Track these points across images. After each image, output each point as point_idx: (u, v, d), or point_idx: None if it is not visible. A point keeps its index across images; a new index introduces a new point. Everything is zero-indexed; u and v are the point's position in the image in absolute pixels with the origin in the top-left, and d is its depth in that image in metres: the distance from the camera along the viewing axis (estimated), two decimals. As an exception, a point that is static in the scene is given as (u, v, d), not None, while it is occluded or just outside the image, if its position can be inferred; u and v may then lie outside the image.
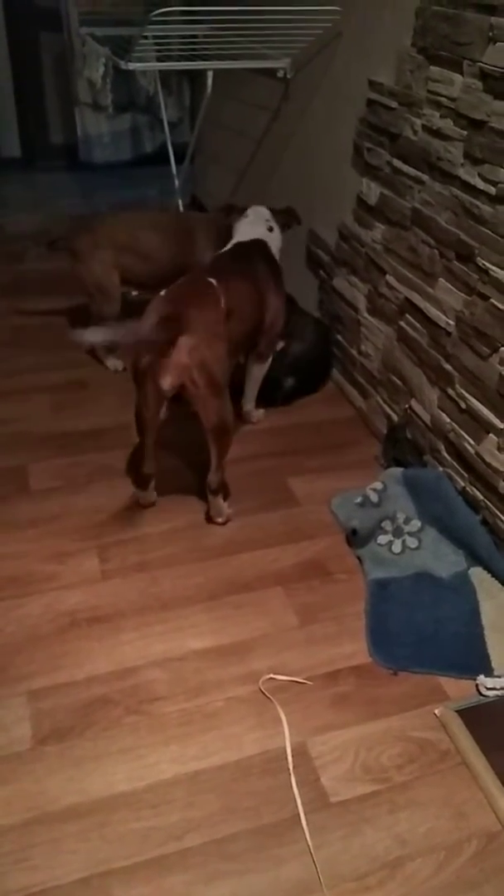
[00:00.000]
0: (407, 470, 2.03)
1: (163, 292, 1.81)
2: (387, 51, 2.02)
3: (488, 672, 1.59)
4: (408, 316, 2.09)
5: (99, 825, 1.30)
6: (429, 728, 1.49)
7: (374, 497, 1.96)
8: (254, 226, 2.23)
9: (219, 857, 1.27)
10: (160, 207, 3.97)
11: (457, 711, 1.51)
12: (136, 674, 1.57)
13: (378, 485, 1.99)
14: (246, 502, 2.06)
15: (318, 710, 1.51)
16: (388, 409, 2.28)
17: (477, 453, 1.85)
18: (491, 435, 1.78)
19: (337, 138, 2.39)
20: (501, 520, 1.80)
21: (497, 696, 1.55)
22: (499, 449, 1.76)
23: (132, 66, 2.37)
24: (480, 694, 1.56)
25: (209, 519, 1.99)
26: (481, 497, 1.86)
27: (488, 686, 1.56)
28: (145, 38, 2.30)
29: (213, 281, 1.86)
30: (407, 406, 2.16)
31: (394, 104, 1.99)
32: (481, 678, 1.57)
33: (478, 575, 1.79)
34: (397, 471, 2.04)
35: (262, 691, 1.54)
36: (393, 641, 1.67)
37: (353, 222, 2.33)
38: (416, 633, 1.68)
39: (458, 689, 1.57)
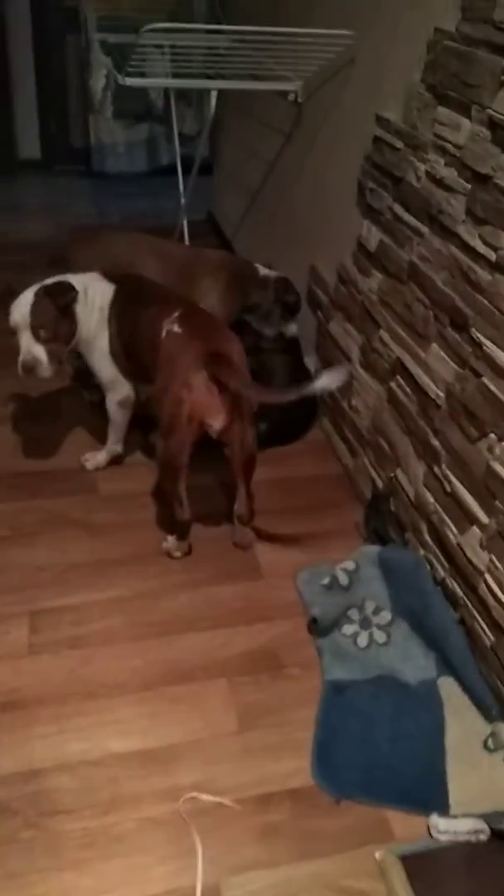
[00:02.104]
0: (384, 550, 1.83)
1: (180, 326, 1.76)
2: (397, 84, 1.82)
3: (443, 809, 1.38)
4: (399, 378, 1.88)
5: None
6: (365, 875, 1.29)
7: (343, 579, 1.76)
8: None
9: None
10: (176, 225, 3.81)
11: (400, 857, 1.30)
12: (43, 778, 1.39)
13: (350, 564, 1.79)
14: (202, 570, 1.87)
15: (241, 842, 1.32)
16: (374, 474, 2.07)
17: (459, 544, 1.64)
18: (475, 528, 1.57)
19: (343, 173, 2.19)
20: (480, 623, 1.58)
21: (449, 840, 1.34)
22: (482, 545, 1.55)
23: (129, 81, 2.20)
24: (431, 836, 1.35)
25: (236, 544, 1.96)
26: (461, 593, 1.65)
27: (441, 828, 1.35)
28: (140, 52, 2.12)
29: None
30: (392, 475, 1.96)
31: (399, 144, 1.79)
32: (434, 818, 1.37)
33: (447, 687, 1.57)
34: (373, 550, 1.84)
35: (180, 814, 1.35)
36: (341, 761, 1.47)
37: (353, 266, 2.13)
38: (369, 752, 1.48)
39: (407, 827, 1.37)
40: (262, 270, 2.40)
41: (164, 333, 1.77)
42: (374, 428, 2.05)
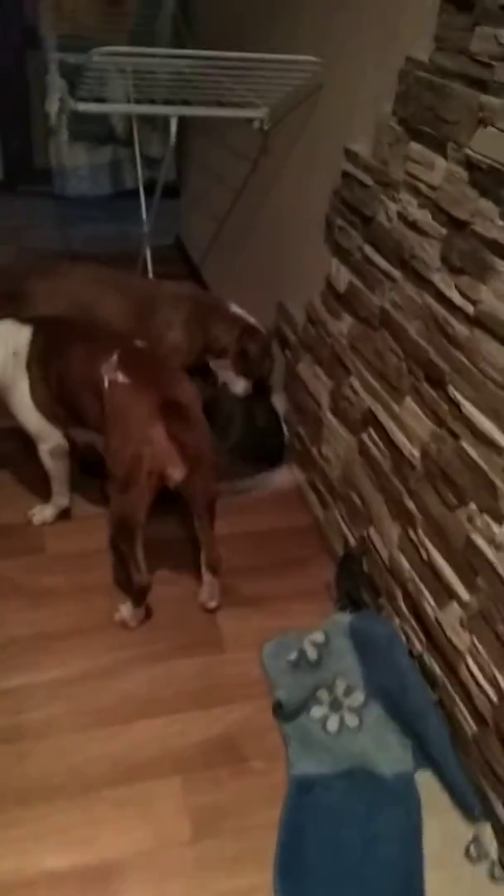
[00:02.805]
0: (355, 619, 1.68)
1: (125, 375, 1.62)
2: (366, 115, 1.69)
3: (423, 933, 1.23)
4: (371, 430, 1.74)
5: None
6: None
7: (312, 654, 1.60)
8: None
9: None
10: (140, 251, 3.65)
11: None
12: (-35, 908, 1.21)
13: (319, 636, 1.63)
14: (158, 641, 1.70)
15: None
16: (346, 529, 1.92)
17: (437, 620, 1.49)
18: (454, 604, 1.43)
19: (311, 207, 2.06)
20: (461, 709, 1.43)
21: None
22: (462, 625, 1.40)
23: (82, 107, 2.05)
24: None
25: (203, 605, 1.80)
26: (439, 672, 1.50)
27: None
28: (95, 74, 1.97)
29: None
30: (365, 533, 1.81)
31: (369, 181, 1.66)
32: None
33: (426, 781, 1.42)
34: (344, 619, 1.68)
35: None
36: (306, 872, 1.30)
37: (322, 306, 1.99)
38: (338, 861, 1.32)
39: None
40: (235, 309, 2.23)
41: (106, 383, 1.63)
42: (345, 480, 1.91)
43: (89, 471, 2.09)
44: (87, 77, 1.97)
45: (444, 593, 1.46)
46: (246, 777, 1.45)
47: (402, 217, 1.53)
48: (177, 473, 1.59)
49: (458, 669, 1.42)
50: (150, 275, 2.94)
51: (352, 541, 1.88)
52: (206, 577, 1.80)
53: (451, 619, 1.44)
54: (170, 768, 1.44)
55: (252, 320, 2.21)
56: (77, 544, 1.95)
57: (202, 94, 2.24)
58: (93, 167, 3.75)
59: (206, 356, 2.20)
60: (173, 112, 2.13)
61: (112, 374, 1.63)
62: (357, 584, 1.82)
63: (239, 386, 2.22)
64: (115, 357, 1.65)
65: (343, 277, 1.83)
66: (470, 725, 1.41)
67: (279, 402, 2.37)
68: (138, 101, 2.37)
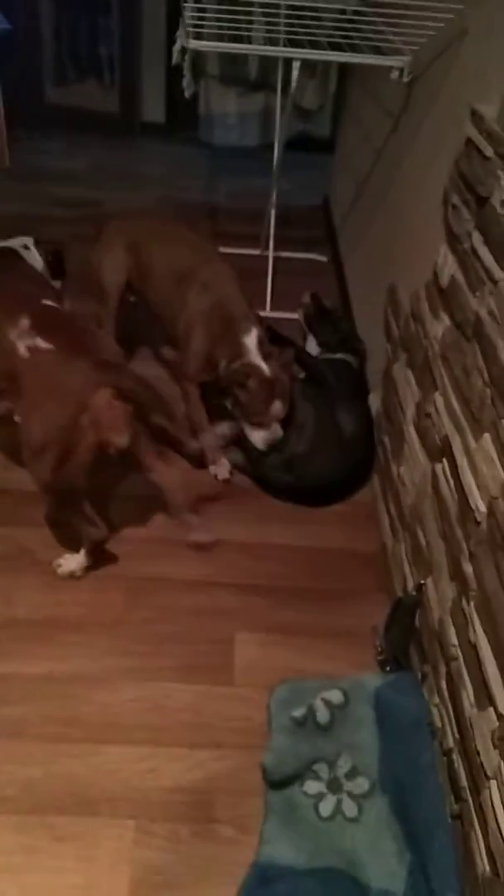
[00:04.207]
0: (385, 687, 1.40)
1: (45, 339, 1.49)
2: (500, 67, 1.32)
3: None
4: (445, 463, 1.42)
5: None
6: None
7: (322, 715, 1.35)
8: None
9: None
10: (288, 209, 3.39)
11: None
12: None
13: (336, 696, 1.38)
14: (164, 655, 1.53)
15: None
16: (407, 569, 1.62)
17: (471, 722, 1.18)
18: (491, 712, 1.11)
19: (436, 178, 1.71)
20: (477, 837, 1.13)
21: None
22: (494, 742, 1.09)
23: (193, 44, 1.82)
24: None
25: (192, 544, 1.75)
26: (464, 782, 1.20)
27: None
28: (201, 10, 1.74)
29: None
30: (423, 582, 1.50)
31: (489, 152, 1.30)
32: None
33: (415, 915, 1.15)
34: (372, 682, 1.41)
35: None
36: None
37: (425, 299, 1.66)
38: None
39: None
40: (249, 338, 1.84)
41: (22, 350, 1.47)
42: (415, 512, 1.60)
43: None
44: (202, 12, 1.73)
45: (483, 693, 1.15)
46: (208, 842, 1.25)
47: (515, 202, 1.17)
48: (121, 440, 1.48)
49: (482, 791, 1.12)
50: (272, 239, 2.69)
51: (411, 585, 1.58)
52: (185, 517, 1.75)
53: (484, 728, 1.13)
54: (127, 809, 1.28)
55: (257, 359, 1.83)
56: (112, 525, 1.81)
57: (349, 37, 1.93)
58: (242, 115, 3.51)
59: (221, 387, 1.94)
60: (294, 55, 1.84)
61: (29, 340, 1.48)
62: (405, 639, 1.53)
63: (256, 436, 1.88)
64: (26, 321, 1.50)
65: (448, 269, 1.49)
66: (483, 862, 1.11)
67: (374, 402, 2.07)
68: (272, 42, 2.09)
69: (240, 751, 1.38)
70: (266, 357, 1.84)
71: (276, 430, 1.86)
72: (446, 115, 1.70)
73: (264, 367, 1.81)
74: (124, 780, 1.32)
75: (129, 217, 2.15)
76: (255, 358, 1.82)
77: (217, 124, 3.60)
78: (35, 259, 1.88)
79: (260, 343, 1.85)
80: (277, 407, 1.82)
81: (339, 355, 2.22)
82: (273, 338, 2.16)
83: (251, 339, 1.84)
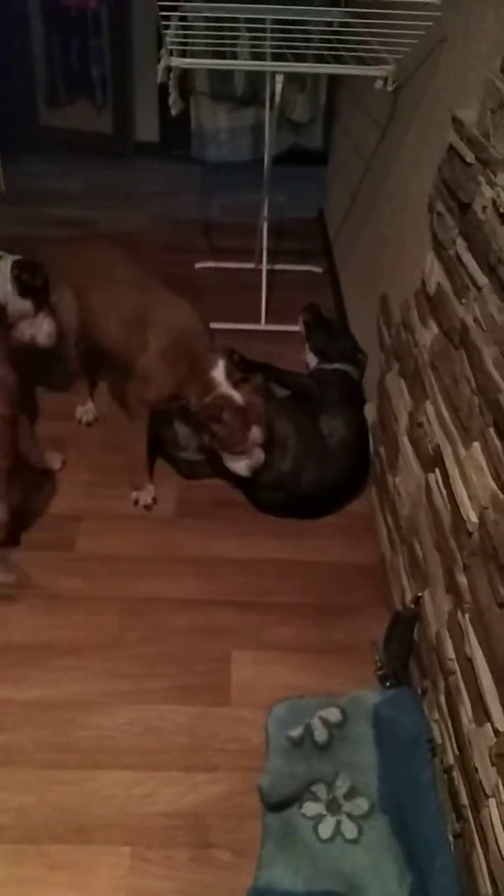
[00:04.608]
0: (383, 704, 1.37)
1: None
2: (480, 74, 1.31)
3: None
4: (437, 474, 1.40)
5: None
6: None
7: (321, 734, 1.32)
8: None
9: None
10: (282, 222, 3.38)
11: None
12: None
13: (334, 714, 1.35)
14: (159, 677, 1.51)
15: None
16: (405, 581, 1.60)
17: (469, 739, 1.15)
18: (488, 728, 1.08)
19: (421, 186, 1.70)
20: (479, 856, 1.10)
21: None
22: (492, 760, 1.06)
23: (176, 62, 1.82)
24: None
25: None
26: (465, 800, 1.17)
27: None
28: (186, 27, 1.74)
29: None
30: (421, 595, 1.48)
31: (469, 157, 1.28)
32: None
33: (417, 941, 1.11)
34: (370, 698, 1.38)
35: None
36: None
37: (414, 307, 1.64)
38: None
39: None
40: (216, 373, 1.77)
41: None
42: (411, 523, 1.57)
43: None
44: (186, 30, 1.74)
45: (480, 708, 1.12)
46: (205, 868, 1.22)
47: (496, 207, 1.16)
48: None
49: (481, 810, 1.09)
50: (265, 253, 2.69)
51: (409, 597, 1.56)
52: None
53: (482, 744, 1.10)
54: (123, 836, 1.26)
55: (228, 390, 1.76)
56: (107, 546, 1.80)
57: (332, 49, 1.93)
58: (233, 131, 3.53)
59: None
60: (276, 68, 1.84)
61: None
62: (404, 654, 1.50)
63: (240, 465, 1.83)
64: None
65: (435, 276, 1.47)
66: (485, 882, 1.07)
67: (370, 412, 2.05)
68: (258, 57, 2.09)
69: (237, 773, 1.35)
70: (236, 385, 1.78)
71: (259, 456, 1.82)
72: (429, 122, 1.69)
73: (236, 395, 1.76)
74: (120, 806, 1.29)
75: (72, 257, 2.02)
76: (226, 388, 1.77)
77: (209, 141, 3.61)
78: (3, 274, 1.85)
79: (228, 373, 1.78)
80: (256, 433, 1.78)
81: (336, 366, 2.21)
82: (241, 361, 2.13)
83: (219, 372, 1.77)
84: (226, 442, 1.78)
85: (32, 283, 1.87)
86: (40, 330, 1.93)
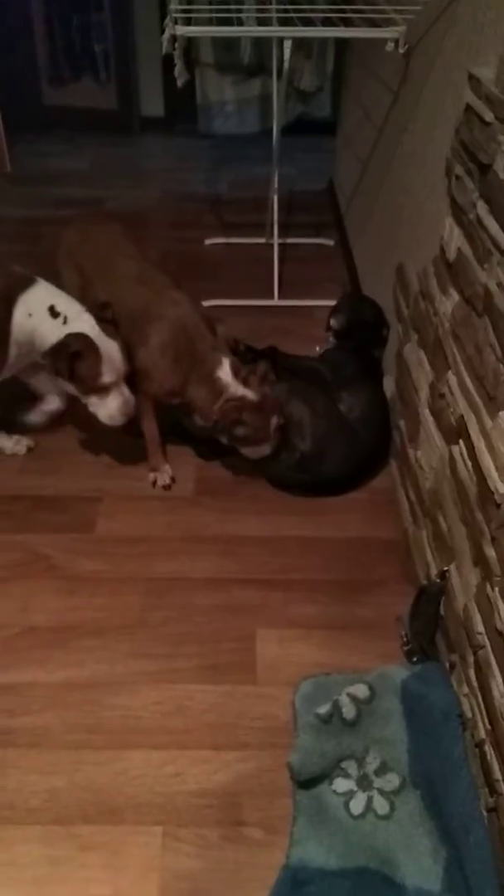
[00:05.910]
0: (411, 679, 1.35)
1: None
2: (497, 26, 1.26)
3: None
4: (462, 445, 1.37)
5: None
6: None
7: (349, 711, 1.31)
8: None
9: None
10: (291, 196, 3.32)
11: None
12: None
13: (362, 689, 1.34)
14: (186, 657, 1.50)
15: None
16: (429, 556, 1.58)
17: (501, 712, 1.13)
18: (521, 700, 1.07)
19: (437, 150, 1.65)
20: (517, 832, 1.09)
21: None
22: (526, 731, 1.04)
23: (180, 30, 1.77)
24: None
25: None
26: (497, 772, 1.15)
27: None
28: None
29: None
30: (446, 569, 1.46)
31: (488, 116, 1.24)
32: None
33: (452, 915, 1.11)
34: (398, 674, 1.37)
35: None
36: None
37: (433, 275, 1.60)
38: None
39: None
40: (222, 372, 1.73)
41: None
42: (435, 496, 1.55)
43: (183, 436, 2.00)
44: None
45: (513, 681, 1.10)
46: (238, 846, 1.22)
47: (519, 166, 1.11)
48: None
49: (517, 784, 1.07)
50: (276, 226, 2.64)
51: (434, 571, 1.54)
52: None
53: (514, 717, 1.08)
54: (154, 815, 1.26)
55: (239, 389, 1.74)
56: (128, 527, 1.79)
57: (342, 11, 1.87)
58: (240, 102, 3.45)
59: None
60: (283, 33, 1.78)
61: None
62: (430, 629, 1.49)
63: (261, 450, 1.82)
64: None
65: (454, 242, 1.43)
66: (523, 859, 1.06)
67: (388, 385, 2.02)
68: (263, 23, 2.04)
69: (266, 751, 1.35)
70: (245, 381, 1.75)
71: (276, 435, 1.82)
72: (445, 83, 1.64)
73: (249, 393, 1.73)
74: (149, 786, 1.29)
75: (76, 241, 1.97)
76: (237, 388, 1.73)
77: (215, 113, 3.55)
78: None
79: (235, 371, 1.74)
80: (275, 422, 1.77)
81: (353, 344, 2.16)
82: (247, 350, 2.10)
83: (225, 372, 1.73)
84: (251, 440, 1.76)
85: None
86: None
